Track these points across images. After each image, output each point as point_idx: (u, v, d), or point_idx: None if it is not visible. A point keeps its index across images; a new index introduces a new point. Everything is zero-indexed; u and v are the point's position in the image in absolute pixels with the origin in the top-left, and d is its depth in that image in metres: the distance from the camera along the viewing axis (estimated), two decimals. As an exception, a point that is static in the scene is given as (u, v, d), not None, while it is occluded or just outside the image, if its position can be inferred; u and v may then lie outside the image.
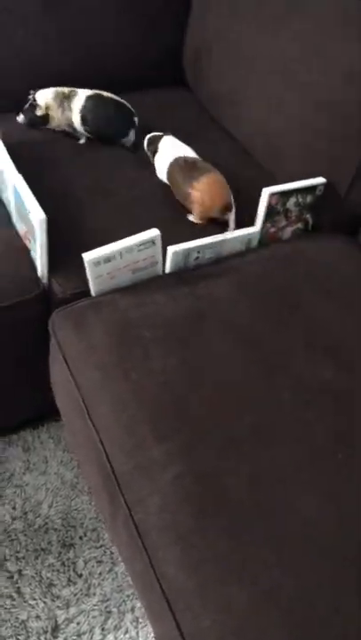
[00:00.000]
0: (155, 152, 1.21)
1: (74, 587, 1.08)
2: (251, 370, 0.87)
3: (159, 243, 0.98)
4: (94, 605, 1.06)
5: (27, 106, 1.23)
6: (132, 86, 1.33)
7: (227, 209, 1.10)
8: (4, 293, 0.97)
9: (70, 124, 1.24)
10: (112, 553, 1.12)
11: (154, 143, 1.21)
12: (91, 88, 1.26)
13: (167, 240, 0.98)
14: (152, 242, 0.98)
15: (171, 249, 1.00)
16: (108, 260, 0.96)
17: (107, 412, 0.81)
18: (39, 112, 1.22)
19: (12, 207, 1.08)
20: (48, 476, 1.23)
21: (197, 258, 1.05)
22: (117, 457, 0.77)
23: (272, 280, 1.03)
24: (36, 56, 1.32)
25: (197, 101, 1.46)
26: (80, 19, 1.33)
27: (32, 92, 1.23)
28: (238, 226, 1.10)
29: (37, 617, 1.04)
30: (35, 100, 1.22)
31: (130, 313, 0.94)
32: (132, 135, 1.26)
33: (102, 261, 0.95)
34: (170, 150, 1.18)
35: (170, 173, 1.15)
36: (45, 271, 1.01)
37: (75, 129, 1.25)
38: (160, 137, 1.21)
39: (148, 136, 1.24)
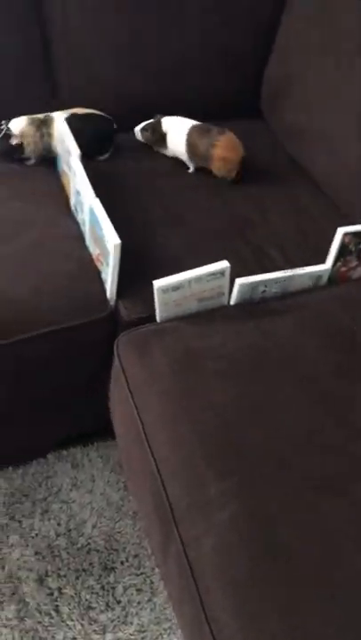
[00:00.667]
0: (163, 135, 1.27)
1: (112, 612, 1.07)
2: (313, 414, 0.85)
3: (228, 275, 0.98)
4: (130, 635, 1.04)
5: (0, 135, 1.19)
6: (209, 115, 1.35)
7: (242, 163, 1.24)
8: (74, 312, 0.99)
9: (49, 149, 1.23)
10: (152, 582, 1.11)
11: (157, 129, 1.28)
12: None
13: (234, 271, 0.98)
14: (221, 273, 0.98)
15: (238, 281, 1.00)
16: (176, 288, 0.96)
17: (166, 442, 0.80)
18: (14, 141, 1.19)
19: (86, 228, 1.10)
20: (94, 496, 1.23)
21: (264, 291, 1.04)
22: (174, 490, 0.76)
23: (339, 321, 1.01)
24: (122, 87, 1.36)
25: (273, 134, 1.46)
26: (165, 49, 1.37)
27: (4, 121, 1.20)
28: (305, 263, 1.08)
29: (74, 639, 1.03)
30: (8, 130, 1.18)
31: (194, 342, 0.94)
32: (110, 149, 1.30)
33: (171, 289, 0.96)
34: (179, 125, 1.27)
35: (190, 142, 1.25)
36: (114, 294, 1.03)
37: (52, 152, 1.24)
38: (158, 122, 1.28)
39: (140, 128, 1.30)
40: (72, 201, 1.19)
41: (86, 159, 1.11)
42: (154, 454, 0.80)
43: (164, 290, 0.95)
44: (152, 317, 1.02)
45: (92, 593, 1.09)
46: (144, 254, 1.07)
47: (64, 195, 1.24)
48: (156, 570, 1.12)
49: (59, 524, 1.18)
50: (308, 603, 0.64)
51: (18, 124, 1.19)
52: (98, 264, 1.06)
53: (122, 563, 1.13)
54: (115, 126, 1.28)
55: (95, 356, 1.07)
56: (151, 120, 1.29)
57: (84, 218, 1.11)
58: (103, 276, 1.04)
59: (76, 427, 1.27)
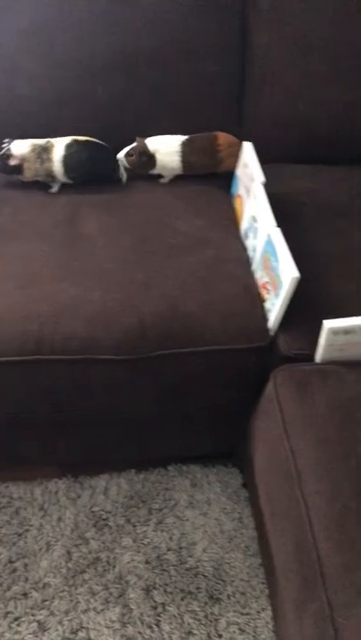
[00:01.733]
0: (151, 156, 1.25)
1: (211, 644, 1.04)
2: None
3: None
4: (227, 674, 1.01)
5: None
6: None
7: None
8: (236, 336, 1.00)
9: (49, 174, 1.23)
10: (256, 627, 1.06)
11: (144, 152, 1.25)
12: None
13: None
14: None
15: None
16: (346, 332, 0.93)
17: (320, 492, 0.77)
18: (13, 162, 1.20)
19: (256, 254, 1.11)
20: (208, 519, 1.22)
21: None
22: (325, 546, 0.72)
23: None
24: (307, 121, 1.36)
25: None
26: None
27: (7, 140, 1.22)
28: None
29: (171, 660, 1.02)
30: (9, 150, 1.20)
31: (357, 391, 0.90)
32: (121, 173, 1.27)
33: (341, 332, 0.92)
34: (166, 143, 1.26)
35: (185, 157, 1.26)
36: (277, 325, 1.01)
37: (55, 178, 1.24)
38: (142, 143, 1.25)
39: (123, 154, 1.26)
40: (244, 225, 1.20)
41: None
42: (307, 503, 0.77)
43: (335, 332, 0.92)
44: (310, 356, 0.99)
45: (195, 619, 1.07)
46: (314, 289, 1.04)
47: (235, 217, 1.25)
48: (263, 614, 1.08)
49: (170, 539, 1.18)
50: None
51: (19, 148, 1.20)
52: (263, 292, 1.06)
53: (228, 597, 1.10)
54: (111, 152, 1.27)
55: (242, 381, 1.06)
56: (133, 144, 1.27)
57: (255, 244, 1.12)
58: (268, 305, 1.04)
59: (203, 446, 1.27)
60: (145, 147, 1.26)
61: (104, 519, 1.20)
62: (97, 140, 1.24)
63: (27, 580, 1.11)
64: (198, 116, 1.32)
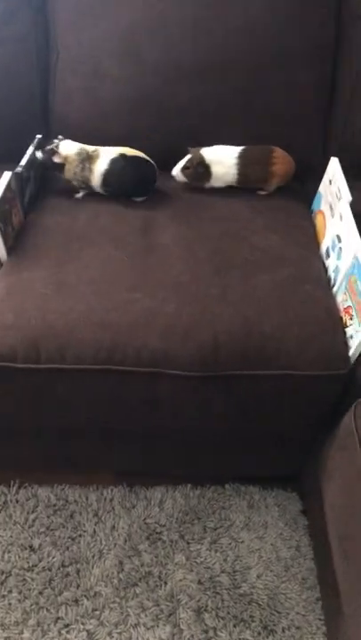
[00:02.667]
0: (208, 167, 1.23)
1: None
2: None
3: None
4: None
5: (47, 147, 1.21)
6: None
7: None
8: (313, 362, 0.95)
9: (86, 182, 1.23)
10: (311, 665, 1.02)
11: (200, 163, 1.22)
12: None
13: None
14: None
15: None
16: None
17: None
18: (57, 159, 1.20)
19: (339, 275, 1.05)
20: (264, 544, 1.18)
21: None
22: None
23: None
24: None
25: None
26: None
27: (60, 137, 1.22)
28: None
29: None
30: (57, 147, 1.20)
31: None
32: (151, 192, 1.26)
33: None
34: (223, 153, 1.24)
35: (243, 169, 1.23)
36: (357, 354, 0.96)
37: (90, 187, 1.23)
38: (198, 154, 1.22)
39: (180, 168, 1.23)
40: (325, 244, 1.15)
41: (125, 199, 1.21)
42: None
43: None
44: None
45: (247, 649, 1.04)
46: None
47: (316, 234, 1.20)
48: (318, 653, 1.03)
49: (225, 560, 1.15)
50: None
51: (67, 148, 1.21)
52: (345, 317, 1.01)
53: (283, 630, 1.06)
54: (156, 172, 1.24)
55: (316, 410, 1.02)
56: (188, 156, 1.23)
57: (338, 264, 1.07)
58: (350, 330, 0.98)
59: (263, 467, 1.23)
60: (202, 158, 1.22)
61: (158, 532, 1.19)
62: (144, 157, 1.22)
63: (78, 586, 1.11)
64: (287, 126, 1.28)
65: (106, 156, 1.21)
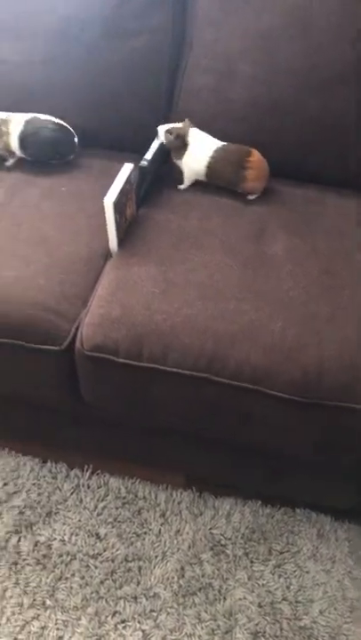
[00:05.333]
0: (184, 145, 1.20)
1: None
2: None
3: None
4: None
5: None
6: None
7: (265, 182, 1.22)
8: None
9: (7, 148, 1.23)
10: None
11: (181, 137, 1.20)
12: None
13: None
14: None
15: None
16: None
17: None
18: None
19: None
20: (330, 579, 1.13)
21: None
22: None
23: None
24: None
25: None
26: None
27: None
28: None
29: None
30: None
31: None
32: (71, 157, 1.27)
33: None
34: (203, 142, 1.20)
35: (214, 163, 1.19)
36: None
37: (10, 152, 1.24)
38: (185, 131, 1.20)
39: (165, 129, 1.20)
40: None
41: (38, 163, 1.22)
42: None
43: None
44: None
45: None
46: None
47: None
48: None
49: (288, 587, 1.12)
50: None
51: None
52: None
53: (342, 673, 1.02)
54: (75, 138, 1.25)
55: None
56: (180, 125, 1.21)
57: None
58: None
59: (340, 498, 1.18)
60: (185, 133, 1.20)
61: (222, 545, 1.17)
62: (61, 122, 1.23)
63: (138, 583, 1.11)
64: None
65: (21, 117, 1.23)
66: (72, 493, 1.22)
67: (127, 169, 1.11)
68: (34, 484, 1.23)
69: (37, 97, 1.29)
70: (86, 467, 1.26)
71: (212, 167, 1.20)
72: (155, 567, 1.13)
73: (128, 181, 1.10)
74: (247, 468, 1.16)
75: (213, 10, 1.25)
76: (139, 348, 0.95)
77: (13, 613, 1.06)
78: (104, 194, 1.02)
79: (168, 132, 1.21)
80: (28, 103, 1.29)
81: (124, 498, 1.22)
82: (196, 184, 1.25)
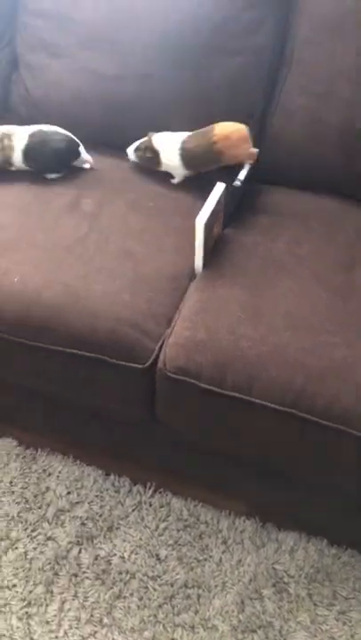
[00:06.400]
0: (156, 153, 1.21)
1: None
2: None
3: None
4: None
5: None
6: None
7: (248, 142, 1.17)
8: None
9: (8, 161, 1.22)
10: None
11: (149, 147, 1.21)
12: None
13: None
14: None
15: None
16: None
17: None
18: None
19: None
20: None
21: None
22: None
23: None
24: None
25: None
26: None
27: None
28: None
29: None
30: None
31: None
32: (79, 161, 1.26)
33: None
34: (170, 138, 1.20)
35: (186, 153, 1.18)
36: None
37: (11, 164, 1.23)
38: (149, 140, 1.21)
39: (133, 148, 1.24)
40: None
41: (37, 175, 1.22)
42: None
43: None
44: None
45: None
46: None
47: None
48: None
49: (352, 637, 1.06)
50: None
51: None
52: None
53: None
54: (80, 150, 1.25)
55: None
56: (143, 139, 1.23)
57: None
58: None
59: None
60: (150, 143, 1.21)
61: (285, 582, 1.12)
62: (66, 133, 1.22)
63: (197, 612, 1.08)
64: None
65: (24, 131, 1.22)
66: (134, 510, 1.21)
67: (219, 188, 1.09)
68: (96, 496, 1.22)
69: (129, 111, 1.30)
70: (149, 484, 1.25)
71: (185, 157, 1.20)
72: (214, 597, 1.10)
73: (219, 201, 1.09)
74: (320, 505, 1.12)
75: (316, 28, 1.22)
76: (222, 374, 0.93)
77: (71, 627, 1.06)
78: (189, 211, 1.01)
79: (137, 149, 1.25)
80: (119, 117, 1.30)
81: (186, 520, 1.20)
82: (283, 208, 1.22)
